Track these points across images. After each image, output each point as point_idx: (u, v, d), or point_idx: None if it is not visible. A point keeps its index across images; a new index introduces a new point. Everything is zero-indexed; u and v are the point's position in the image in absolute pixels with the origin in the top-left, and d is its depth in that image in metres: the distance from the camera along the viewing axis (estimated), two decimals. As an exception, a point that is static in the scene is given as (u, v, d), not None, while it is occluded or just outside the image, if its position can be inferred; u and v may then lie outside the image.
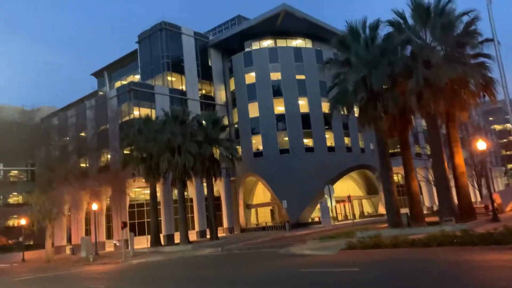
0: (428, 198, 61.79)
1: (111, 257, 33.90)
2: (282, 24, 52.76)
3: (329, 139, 52.46)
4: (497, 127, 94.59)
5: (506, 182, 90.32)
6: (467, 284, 9.42)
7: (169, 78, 51.44)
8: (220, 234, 46.43)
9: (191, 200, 48.49)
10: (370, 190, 59.42)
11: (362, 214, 57.52)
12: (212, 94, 55.56)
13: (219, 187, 50.39)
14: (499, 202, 31.29)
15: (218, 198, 50.23)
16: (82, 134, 47.73)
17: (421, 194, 54.73)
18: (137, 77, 55.45)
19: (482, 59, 26.66)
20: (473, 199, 34.63)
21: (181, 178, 38.79)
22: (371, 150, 55.01)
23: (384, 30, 27.93)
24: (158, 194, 42.94)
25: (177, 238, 42.31)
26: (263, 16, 52.61)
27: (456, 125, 29.34)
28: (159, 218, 42.85)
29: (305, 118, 51.40)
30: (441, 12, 25.87)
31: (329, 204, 30.66)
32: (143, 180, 40.82)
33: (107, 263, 29.73)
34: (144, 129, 39.55)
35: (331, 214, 48.86)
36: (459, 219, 24.49)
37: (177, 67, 52.08)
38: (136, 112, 46.49)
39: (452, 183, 27.84)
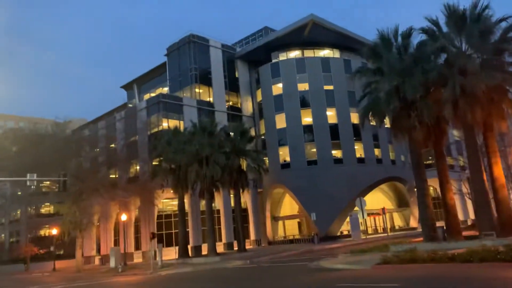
0: (462, 211, 59.53)
1: (139, 268, 33.90)
2: (309, 34, 52.56)
3: (358, 150, 51.52)
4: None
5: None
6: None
7: (197, 90, 51.87)
8: (247, 246, 45.98)
9: (218, 211, 48.30)
10: (401, 203, 57.93)
11: (393, 228, 56.03)
12: (239, 106, 55.67)
13: (246, 198, 50.11)
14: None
15: (245, 210, 49.93)
16: (112, 145, 48.45)
17: (455, 207, 52.82)
18: (165, 89, 56.20)
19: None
20: None
21: (208, 189, 38.77)
22: (401, 162, 53.73)
23: (416, 38, 27.43)
24: (186, 205, 43.01)
25: (204, 249, 42.16)
26: (290, 27, 52.61)
27: (494, 135, 28.21)
28: (187, 229, 42.84)
29: (334, 129, 50.75)
30: (478, 19, 25.16)
31: (360, 217, 29.90)
32: (171, 191, 41.04)
33: (136, 274, 29.69)
34: (172, 140, 39.84)
35: (361, 227, 47.73)
36: (499, 233, 23.42)
37: (205, 79, 52.50)
38: (164, 124, 46.96)
39: (490, 196, 26.74)
